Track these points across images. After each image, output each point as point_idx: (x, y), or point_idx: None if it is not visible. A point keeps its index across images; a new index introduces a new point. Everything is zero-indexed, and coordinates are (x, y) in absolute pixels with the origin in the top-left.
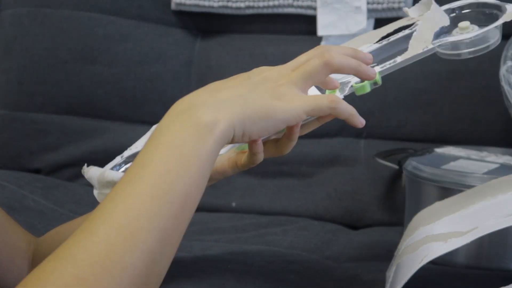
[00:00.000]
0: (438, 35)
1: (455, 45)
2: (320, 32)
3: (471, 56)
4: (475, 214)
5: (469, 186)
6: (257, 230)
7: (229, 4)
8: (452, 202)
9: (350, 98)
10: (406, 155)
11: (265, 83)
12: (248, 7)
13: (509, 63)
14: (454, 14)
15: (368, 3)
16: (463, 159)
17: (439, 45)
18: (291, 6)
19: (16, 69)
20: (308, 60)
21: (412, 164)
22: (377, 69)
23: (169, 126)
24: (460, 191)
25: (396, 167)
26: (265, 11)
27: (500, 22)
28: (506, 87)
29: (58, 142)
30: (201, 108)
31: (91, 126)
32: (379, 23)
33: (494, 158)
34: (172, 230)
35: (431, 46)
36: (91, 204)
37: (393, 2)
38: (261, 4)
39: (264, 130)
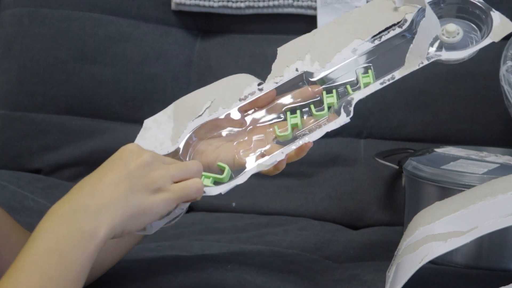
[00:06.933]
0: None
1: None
2: None
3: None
4: (475, 214)
5: (469, 186)
6: (257, 230)
7: (229, 4)
8: (452, 202)
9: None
10: (406, 155)
11: (143, 177)
12: (248, 7)
13: (509, 63)
14: (440, 9)
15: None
16: (463, 159)
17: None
18: (291, 6)
19: (16, 69)
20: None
21: (412, 164)
22: (377, 85)
23: (52, 231)
24: (460, 191)
25: (396, 167)
26: (265, 11)
27: (488, 42)
28: (506, 87)
29: (58, 142)
30: (83, 215)
31: (91, 126)
32: None
33: (494, 158)
34: None
35: (426, 62)
36: None
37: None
38: (261, 4)
39: (142, 224)
